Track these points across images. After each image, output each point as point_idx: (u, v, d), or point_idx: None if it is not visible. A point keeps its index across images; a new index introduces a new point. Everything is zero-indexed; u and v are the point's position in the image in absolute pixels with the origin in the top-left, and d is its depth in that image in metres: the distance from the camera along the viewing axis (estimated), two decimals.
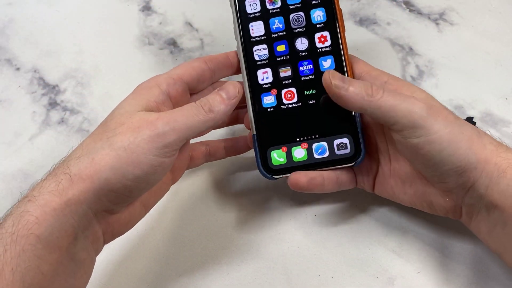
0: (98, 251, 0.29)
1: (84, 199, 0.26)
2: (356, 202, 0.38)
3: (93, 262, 0.29)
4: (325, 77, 0.31)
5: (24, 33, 0.50)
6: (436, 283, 0.34)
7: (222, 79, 0.36)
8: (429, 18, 0.49)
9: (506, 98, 0.43)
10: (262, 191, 0.39)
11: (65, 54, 0.48)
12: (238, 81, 0.33)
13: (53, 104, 0.45)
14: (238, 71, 0.35)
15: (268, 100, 0.34)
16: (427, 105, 0.29)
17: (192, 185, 0.39)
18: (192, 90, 0.34)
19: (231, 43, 0.47)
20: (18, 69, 0.47)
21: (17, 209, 0.26)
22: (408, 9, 0.49)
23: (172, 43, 0.48)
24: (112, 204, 0.28)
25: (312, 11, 0.34)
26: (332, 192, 0.35)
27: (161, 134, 0.27)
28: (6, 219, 0.26)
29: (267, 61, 0.34)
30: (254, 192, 0.39)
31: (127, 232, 0.37)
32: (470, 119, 0.42)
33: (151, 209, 0.38)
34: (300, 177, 0.33)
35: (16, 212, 0.26)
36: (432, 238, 0.36)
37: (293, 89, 0.34)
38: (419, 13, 0.49)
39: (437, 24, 0.48)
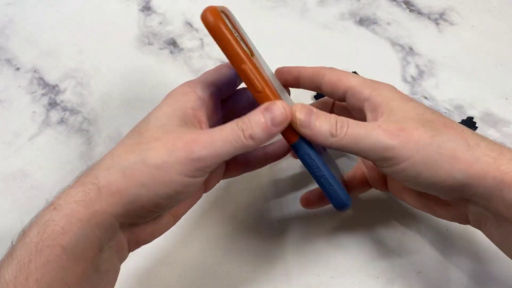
0: (123, 259, 0.29)
1: (111, 212, 0.25)
2: (355, 202, 0.38)
3: (117, 272, 0.28)
4: (294, 112, 0.27)
5: (24, 33, 0.50)
6: (436, 283, 0.34)
7: None
8: (429, 18, 0.49)
9: (506, 98, 0.43)
10: (262, 191, 0.39)
11: (65, 54, 0.48)
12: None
13: (53, 104, 0.45)
14: None
15: None
16: (396, 131, 0.27)
17: None
18: (222, 96, 0.32)
19: None
20: (18, 69, 0.47)
21: (42, 217, 0.25)
22: (408, 9, 0.49)
23: (172, 43, 0.48)
24: (139, 218, 0.27)
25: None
26: None
27: (196, 159, 0.26)
28: (31, 227, 0.25)
29: None
30: (254, 192, 0.39)
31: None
32: (470, 119, 0.42)
33: None
34: (308, 196, 0.35)
35: (41, 220, 0.25)
36: (432, 238, 0.36)
37: None
38: (419, 13, 0.49)
39: (437, 24, 0.48)
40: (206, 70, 0.32)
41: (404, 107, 0.29)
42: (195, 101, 0.29)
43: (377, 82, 0.31)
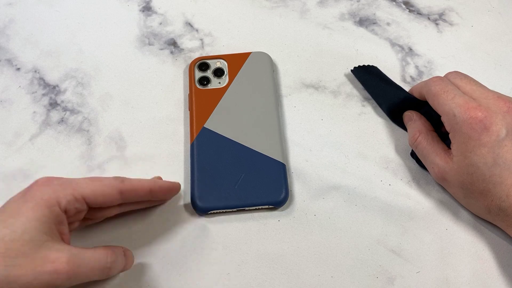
0: None
1: None
2: (355, 202, 0.38)
3: None
4: None
5: (24, 33, 0.50)
6: (436, 283, 0.35)
7: None
8: (428, 18, 0.49)
9: None
10: None
11: (65, 54, 0.48)
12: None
13: (53, 104, 0.45)
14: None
15: None
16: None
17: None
18: (94, 206, 0.33)
19: (231, 43, 0.48)
20: (18, 69, 0.47)
21: None
22: (407, 10, 0.50)
23: (172, 43, 0.48)
24: None
25: None
26: None
27: (58, 285, 0.27)
28: None
29: None
30: None
31: (126, 233, 0.37)
32: None
33: (151, 208, 0.38)
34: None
35: None
36: (432, 238, 0.36)
37: None
38: (419, 13, 0.49)
39: (436, 24, 0.48)
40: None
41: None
42: (59, 217, 0.30)
43: (457, 122, 0.34)
